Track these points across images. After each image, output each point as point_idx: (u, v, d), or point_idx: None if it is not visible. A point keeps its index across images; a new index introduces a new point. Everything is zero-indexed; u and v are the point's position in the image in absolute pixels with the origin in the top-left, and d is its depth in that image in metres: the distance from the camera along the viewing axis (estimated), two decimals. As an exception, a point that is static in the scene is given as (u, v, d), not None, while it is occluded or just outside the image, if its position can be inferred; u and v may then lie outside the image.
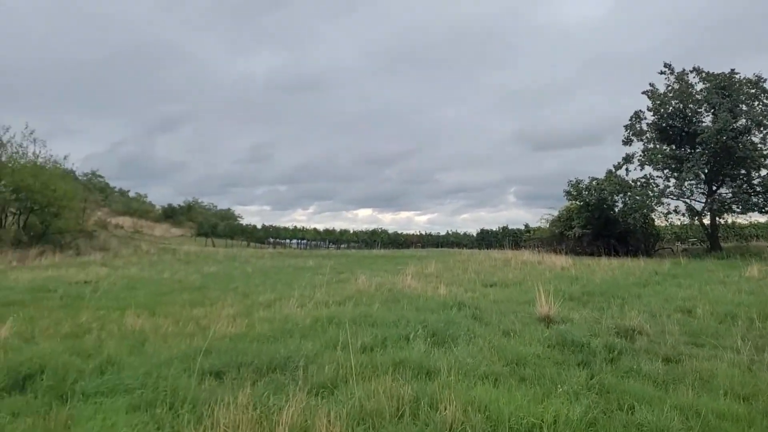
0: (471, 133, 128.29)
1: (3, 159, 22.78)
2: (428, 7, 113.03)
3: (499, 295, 10.92)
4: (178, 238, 45.78)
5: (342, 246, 48.22)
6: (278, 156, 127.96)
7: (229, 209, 69.88)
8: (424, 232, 50.97)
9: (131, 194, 66.78)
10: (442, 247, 47.63)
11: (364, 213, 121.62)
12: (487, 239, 48.83)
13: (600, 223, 28.52)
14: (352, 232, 49.09)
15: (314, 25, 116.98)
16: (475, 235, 50.18)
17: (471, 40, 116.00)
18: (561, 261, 20.13)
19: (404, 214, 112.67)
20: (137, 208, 54.98)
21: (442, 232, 50.74)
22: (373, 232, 49.19)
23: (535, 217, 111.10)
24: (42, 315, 7.72)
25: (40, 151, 25.47)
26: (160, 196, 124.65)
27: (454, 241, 49.20)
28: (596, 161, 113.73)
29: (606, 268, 17.88)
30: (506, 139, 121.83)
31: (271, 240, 47.53)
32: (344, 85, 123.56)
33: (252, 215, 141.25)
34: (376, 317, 7.70)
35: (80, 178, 51.69)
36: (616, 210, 28.82)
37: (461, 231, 51.06)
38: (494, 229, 49.64)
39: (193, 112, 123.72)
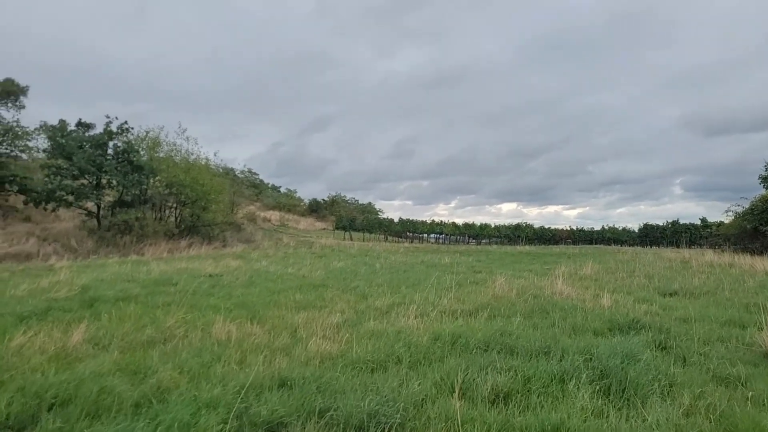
0: (629, 121, 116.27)
1: (161, 156, 24.75)
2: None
3: (687, 309, 8.12)
4: (321, 231, 47.22)
5: (483, 241, 45.69)
6: (421, 151, 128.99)
7: (369, 203, 71.47)
8: (574, 227, 46.22)
9: (282, 190, 71.68)
10: (596, 243, 42.69)
11: (508, 207, 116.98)
12: (651, 235, 42.69)
13: (812, 217, 22.51)
14: (493, 226, 46.14)
15: (457, 18, 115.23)
16: (636, 230, 44.17)
17: (628, 18, 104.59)
18: (761, 264, 15.84)
19: (551, 208, 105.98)
20: (285, 202, 58.33)
21: (596, 227, 45.47)
22: (517, 227, 45.77)
23: (709, 210, 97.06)
24: (138, 314, 7.04)
25: (192, 149, 27.40)
26: (312, 192, 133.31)
27: (611, 237, 43.79)
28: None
29: (832, 274, 13.49)
30: (671, 125, 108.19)
31: (409, 234, 46.73)
32: (488, 77, 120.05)
33: (395, 210, 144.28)
34: (517, 339, 5.73)
35: (239, 175, 56.33)
36: (837, 199, 22.54)
37: (619, 226, 45.28)
38: (660, 224, 43.21)
39: (342, 113, 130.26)
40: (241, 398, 3.64)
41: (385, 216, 57.21)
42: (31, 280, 10.48)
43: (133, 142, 23.36)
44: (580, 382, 4.09)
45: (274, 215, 48.74)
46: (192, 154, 26.76)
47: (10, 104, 22.76)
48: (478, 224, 45.92)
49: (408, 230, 45.89)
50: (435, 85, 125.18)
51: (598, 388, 4.06)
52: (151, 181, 23.66)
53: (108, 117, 22.89)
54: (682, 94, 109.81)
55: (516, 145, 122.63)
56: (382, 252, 24.57)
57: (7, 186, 20.77)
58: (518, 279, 12.32)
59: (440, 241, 45.97)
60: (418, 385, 4.04)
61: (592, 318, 7.12)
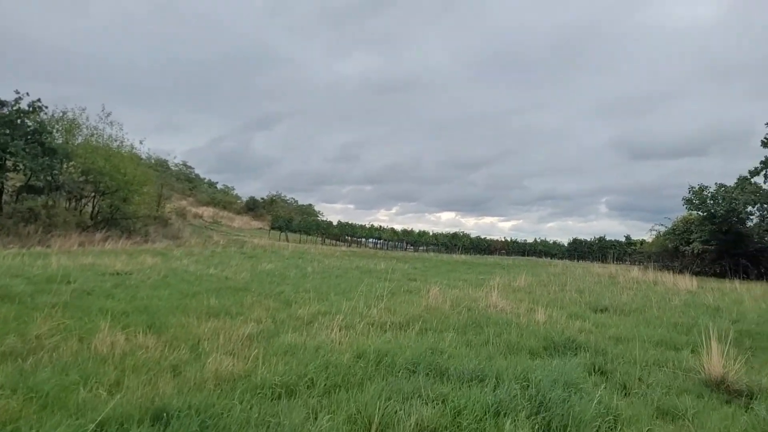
0: (563, 140, 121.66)
1: (79, 140, 22.62)
2: (525, 10, 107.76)
3: (619, 327, 7.95)
4: (256, 230, 45.54)
5: (420, 248, 45.66)
6: (366, 156, 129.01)
7: (309, 205, 70.07)
8: (508, 239, 47.13)
9: (219, 186, 68.98)
10: (528, 255, 43.68)
11: (447, 216, 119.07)
12: (579, 250, 44.22)
13: (728, 239, 23.74)
14: (431, 234, 46.21)
15: (409, 28, 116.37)
16: (566, 245, 45.62)
17: (569, 43, 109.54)
18: (683, 282, 16.37)
19: (488, 220, 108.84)
20: (221, 199, 56.03)
21: (529, 240, 46.59)
22: (454, 236, 46.07)
23: (630, 229, 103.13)
24: (8, 318, 5.91)
25: (116, 134, 25.31)
26: (252, 190, 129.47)
27: (542, 250, 44.99)
28: (697, 173, 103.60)
29: (748, 295, 14.01)
30: (601, 147, 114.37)
31: (348, 238, 45.96)
32: (435, 88, 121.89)
33: (336, 213, 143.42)
34: (448, 358, 5.19)
35: (172, 168, 53.59)
36: (750, 224, 23.95)
37: (550, 239, 46.64)
38: (588, 240, 44.87)
39: (289, 112, 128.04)
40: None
41: (324, 218, 56.22)
42: None
43: (47, 122, 21.15)
44: (517, 419, 3.52)
45: (208, 211, 46.49)
46: (115, 140, 24.75)
47: None
48: (417, 231, 45.88)
49: (347, 234, 45.12)
50: (384, 92, 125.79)
51: (537, 426, 3.51)
52: (65, 166, 21.48)
53: (18, 92, 20.59)
54: (611, 119, 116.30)
55: (458, 157, 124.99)
56: (317, 255, 23.69)
57: None
58: (453, 289, 11.91)
59: (378, 246, 45.48)
60: (328, 421, 3.34)
61: (527, 335, 6.71)
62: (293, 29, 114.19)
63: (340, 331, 6.33)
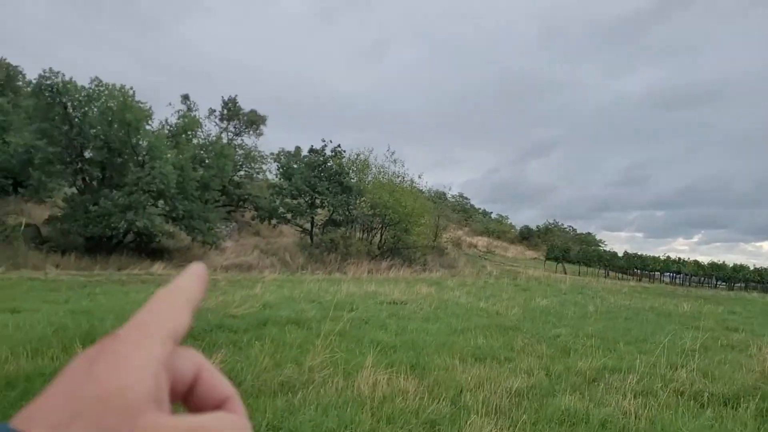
0: None
1: (369, 178, 25.71)
2: None
3: None
4: (530, 260, 44.14)
5: (736, 286, 36.98)
6: (655, 178, 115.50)
7: (589, 233, 65.03)
8: None
9: (493, 216, 70.29)
10: None
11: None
12: None
13: None
14: (752, 268, 36.98)
15: (704, 31, 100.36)
16: None
17: None
18: None
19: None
20: (495, 228, 56.58)
21: None
22: (787, 271, 35.93)
23: None
24: (295, 344, 6.37)
25: (398, 171, 27.97)
26: (526, 219, 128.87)
27: None
28: None
29: None
30: None
31: (636, 270, 40.38)
32: (744, 94, 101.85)
33: (621, 242, 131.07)
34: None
35: (449, 199, 56.95)
36: None
37: None
38: None
39: (564, 137, 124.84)
40: None
41: (607, 248, 51.11)
42: (233, 291, 11.01)
43: (345, 164, 24.78)
44: None
45: (482, 241, 47.37)
46: (398, 176, 27.41)
47: (251, 132, 26.29)
48: (731, 265, 37.34)
49: (635, 266, 39.69)
50: (675, 106, 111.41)
51: None
52: (358, 201, 24.68)
53: (324, 140, 24.72)
54: None
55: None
56: (599, 290, 21.13)
57: (243, 204, 23.80)
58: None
59: (677, 281, 38.67)
60: None
61: None
62: (565, 53, 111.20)
63: (635, 398, 4.88)
